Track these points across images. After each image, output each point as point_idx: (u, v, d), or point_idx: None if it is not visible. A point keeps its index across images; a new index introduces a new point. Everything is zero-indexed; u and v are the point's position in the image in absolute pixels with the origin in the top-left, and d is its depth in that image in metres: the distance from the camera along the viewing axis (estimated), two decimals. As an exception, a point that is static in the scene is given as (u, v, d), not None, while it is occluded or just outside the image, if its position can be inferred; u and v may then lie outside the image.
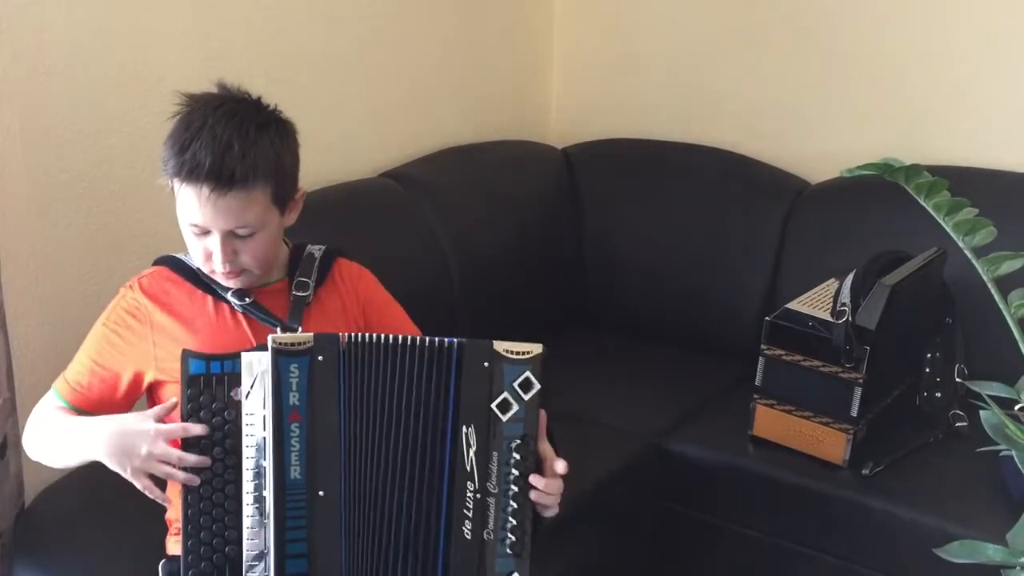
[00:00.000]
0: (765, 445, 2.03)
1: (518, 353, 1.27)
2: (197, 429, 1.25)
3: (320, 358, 1.25)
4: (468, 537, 1.27)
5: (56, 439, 1.40)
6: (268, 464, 1.23)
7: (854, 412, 1.92)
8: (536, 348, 1.27)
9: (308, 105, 2.20)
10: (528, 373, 1.26)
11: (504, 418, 1.27)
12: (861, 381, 1.91)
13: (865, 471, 1.92)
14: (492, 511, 1.27)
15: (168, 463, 1.26)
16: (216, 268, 1.38)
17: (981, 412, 1.14)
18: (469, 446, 1.27)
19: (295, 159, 1.43)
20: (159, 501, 1.31)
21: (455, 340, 1.28)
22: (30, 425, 1.45)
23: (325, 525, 1.25)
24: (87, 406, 1.42)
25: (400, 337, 1.28)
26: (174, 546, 1.46)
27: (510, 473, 1.27)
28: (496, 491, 1.27)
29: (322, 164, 2.21)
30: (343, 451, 1.26)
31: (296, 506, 1.24)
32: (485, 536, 1.28)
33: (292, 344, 1.25)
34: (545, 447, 1.31)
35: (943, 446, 2.02)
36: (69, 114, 1.78)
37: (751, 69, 2.59)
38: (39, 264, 1.78)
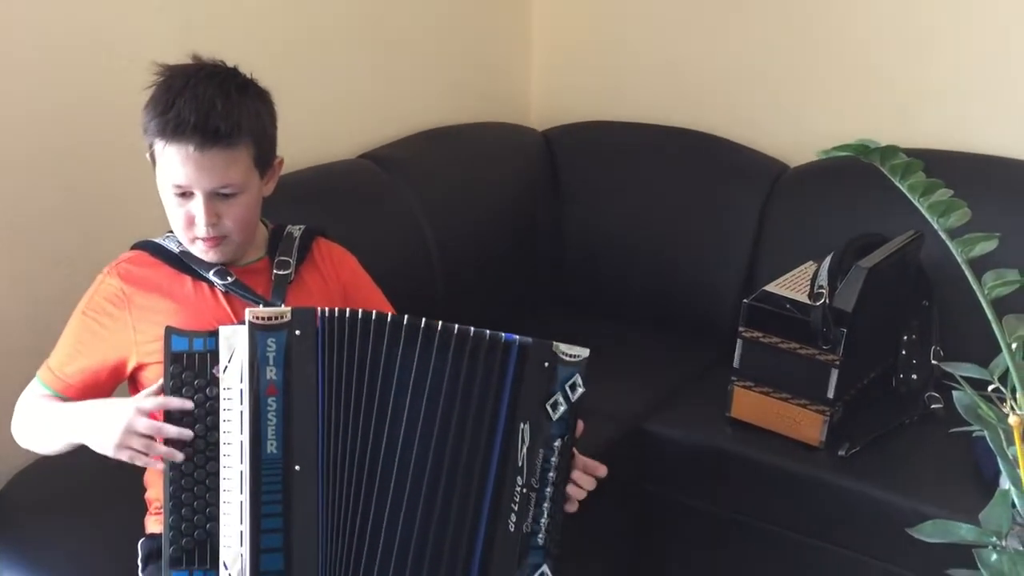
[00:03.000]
0: (742, 427, 2.05)
1: (571, 355, 1.31)
2: (176, 402, 1.25)
3: (298, 332, 1.25)
4: (511, 530, 1.30)
5: (43, 427, 1.41)
6: (244, 438, 1.23)
7: (831, 394, 1.93)
8: (585, 352, 1.32)
9: (287, 85, 2.17)
10: (578, 375, 1.31)
11: (554, 417, 1.30)
12: (838, 363, 1.92)
13: (841, 452, 1.94)
14: (531, 506, 1.30)
15: (149, 436, 1.25)
16: (199, 233, 1.38)
17: (954, 392, 1.14)
18: (523, 442, 1.29)
19: (274, 123, 1.45)
20: (150, 465, 1.30)
21: (517, 337, 1.30)
22: (17, 415, 1.45)
23: (301, 500, 1.25)
24: (71, 393, 1.42)
25: (401, 317, 1.28)
26: (154, 525, 1.46)
27: (551, 470, 1.31)
28: (538, 487, 1.30)
29: (301, 145, 2.19)
30: (321, 427, 1.25)
31: (272, 480, 1.24)
32: (524, 529, 1.30)
33: (269, 318, 1.25)
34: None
35: (918, 428, 2.04)
36: (41, 92, 1.76)
37: (732, 52, 2.59)
38: (12, 246, 1.77)
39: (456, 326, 1.29)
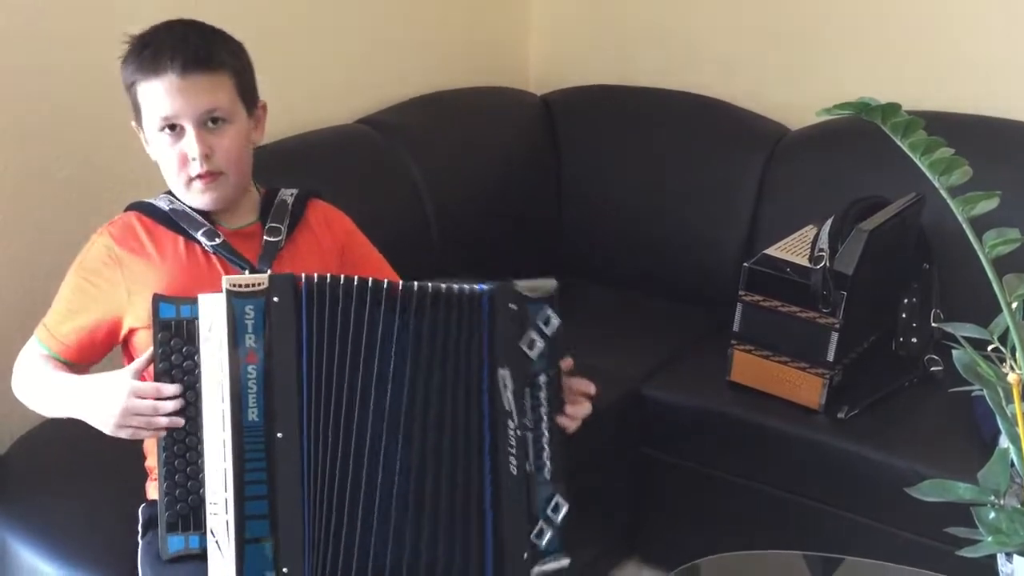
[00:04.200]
0: (742, 390, 2.05)
1: (537, 291, 1.31)
2: (170, 389, 1.25)
3: (276, 299, 1.24)
4: (515, 473, 1.30)
5: (42, 395, 1.41)
6: (225, 406, 1.23)
7: (830, 357, 1.93)
8: (551, 283, 1.32)
9: (284, 51, 2.18)
10: (548, 309, 1.31)
11: (532, 355, 1.30)
12: (838, 326, 1.92)
13: (841, 415, 1.94)
14: (530, 444, 1.31)
15: (146, 415, 1.26)
16: (192, 170, 1.37)
17: (953, 351, 1.14)
18: (506, 387, 1.29)
19: (251, 67, 1.44)
20: (151, 437, 1.30)
21: (483, 287, 1.30)
22: (17, 373, 1.46)
23: (285, 467, 1.24)
24: (68, 354, 1.43)
25: (383, 281, 1.28)
26: (154, 491, 1.46)
27: (541, 405, 1.31)
28: (532, 425, 1.31)
29: (298, 110, 2.19)
30: (305, 394, 1.25)
31: (255, 448, 1.23)
32: (527, 468, 1.31)
33: (246, 285, 1.24)
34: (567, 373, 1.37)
35: (918, 390, 2.04)
36: (37, 61, 1.74)
37: (732, 13, 2.57)
38: (10, 212, 1.76)
39: (429, 285, 1.28)
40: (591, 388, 1.39)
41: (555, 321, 1.31)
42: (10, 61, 1.71)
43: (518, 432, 1.30)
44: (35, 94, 1.76)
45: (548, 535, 1.32)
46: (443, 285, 1.29)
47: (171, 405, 1.25)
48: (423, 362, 1.28)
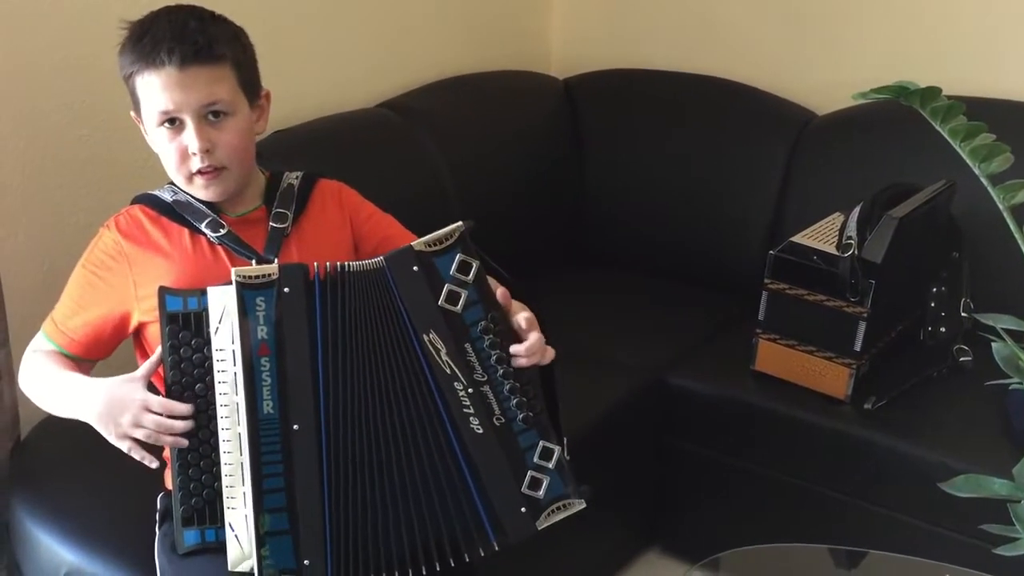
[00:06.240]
0: (767, 380, 2.02)
1: (440, 242, 1.25)
2: (181, 408, 1.24)
3: (286, 290, 1.22)
4: (480, 432, 1.26)
5: (48, 393, 1.39)
6: (240, 400, 1.21)
7: (858, 347, 1.90)
8: (456, 228, 1.26)
9: (305, 34, 2.16)
10: (459, 256, 1.25)
11: (458, 309, 1.25)
12: (865, 315, 1.88)
13: (867, 405, 1.91)
14: (491, 398, 1.27)
15: (151, 429, 1.25)
16: (193, 166, 1.34)
17: (992, 344, 1.11)
18: (438, 350, 1.25)
19: (253, 54, 1.40)
20: (145, 463, 1.29)
21: (380, 259, 1.26)
22: (24, 367, 1.43)
23: (302, 459, 1.22)
24: (75, 349, 1.41)
25: (364, 264, 1.27)
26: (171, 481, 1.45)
27: (490, 356, 1.26)
28: (485, 378, 1.26)
29: (319, 94, 2.17)
30: (319, 383, 1.23)
31: (271, 441, 1.22)
32: (495, 423, 1.27)
33: (256, 277, 1.22)
34: (512, 311, 1.31)
35: (946, 381, 2.01)
36: (55, 41, 1.73)
37: (758, -3, 2.53)
38: (29, 195, 1.75)
39: (345, 265, 1.25)
40: (525, 321, 1.29)
41: (473, 263, 1.25)
42: (29, 42, 1.70)
43: (470, 391, 1.26)
44: (53, 77, 1.74)
45: (546, 482, 1.28)
46: (349, 265, 1.26)
47: (180, 425, 1.24)
48: (374, 342, 1.25)
